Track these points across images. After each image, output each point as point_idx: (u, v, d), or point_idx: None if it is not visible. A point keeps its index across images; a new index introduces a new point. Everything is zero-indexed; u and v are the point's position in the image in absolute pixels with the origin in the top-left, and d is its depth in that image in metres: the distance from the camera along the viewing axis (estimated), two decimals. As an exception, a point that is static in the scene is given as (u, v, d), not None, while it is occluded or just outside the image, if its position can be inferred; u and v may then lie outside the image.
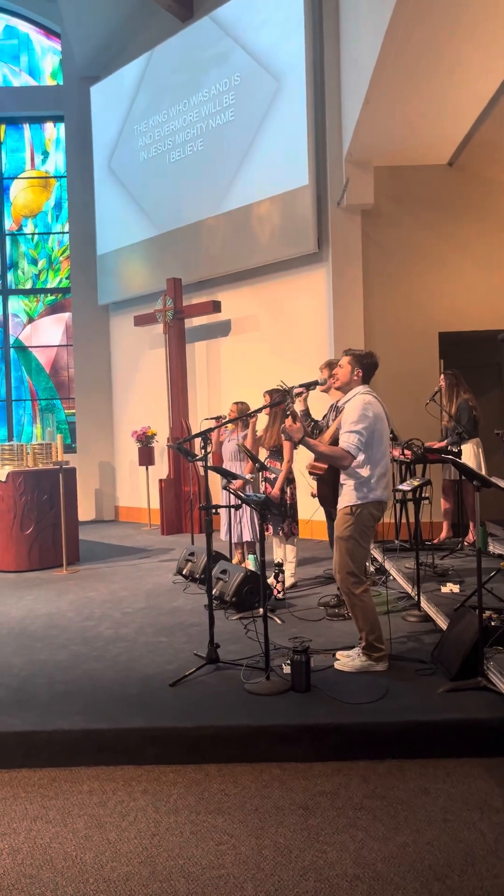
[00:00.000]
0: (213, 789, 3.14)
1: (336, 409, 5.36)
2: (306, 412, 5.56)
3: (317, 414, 5.74)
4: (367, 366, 4.17)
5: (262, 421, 6.63)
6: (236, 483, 6.15)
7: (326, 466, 4.19)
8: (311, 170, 8.49)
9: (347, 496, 4.04)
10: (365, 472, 3.98)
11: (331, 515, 5.40)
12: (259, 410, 5.33)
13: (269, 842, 2.73)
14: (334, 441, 4.22)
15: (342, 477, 4.09)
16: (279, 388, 4.17)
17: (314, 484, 4.58)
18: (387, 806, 2.94)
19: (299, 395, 5.04)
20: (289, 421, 4.04)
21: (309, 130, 8.49)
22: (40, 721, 3.58)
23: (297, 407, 4.60)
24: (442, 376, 7.14)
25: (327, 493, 4.28)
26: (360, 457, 3.95)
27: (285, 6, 8.62)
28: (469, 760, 3.29)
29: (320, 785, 3.13)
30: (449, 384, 7.01)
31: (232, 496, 5.88)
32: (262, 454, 6.31)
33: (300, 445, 4.04)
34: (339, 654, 4.24)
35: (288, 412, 4.09)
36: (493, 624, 4.03)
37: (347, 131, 7.76)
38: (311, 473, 4.38)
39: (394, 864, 2.57)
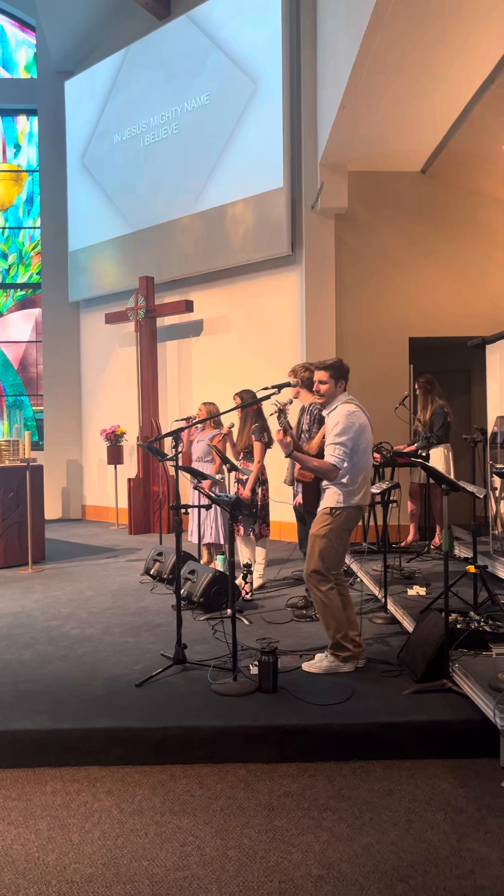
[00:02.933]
0: (178, 790, 3.12)
1: (309, 413, 5.38)
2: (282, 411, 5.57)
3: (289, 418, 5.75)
4: (344, 373, 4.19)
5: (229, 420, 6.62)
6: (205, 483, 6.13)
7: (313, 476, 4.24)
8: (286, 172, 8.52)
9: (329, 498, 4.08)
10: (346, 479, 4.02)
11: (303, 518, 5.43)
12: (231, 411, 5.32)
13: (234, 843, 2.73)
14: (320, 449, 4.25)
15: (324, 482, 4.13)
16: (275, 403, 4.18)
17: (290, 490, 4.61)
18: (351, 807, 2.96)
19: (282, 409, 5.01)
20: (279, 434, 4.07)
21: (284, 133, 8.51)
22: (3, 721, 3.53)
23: (287, 398, 4.56)
24: (416, 382, 7.21)
25: (312, 499, 4.32)
26: (345, 464, 3.99)
27: (263, 9, 8.64)
28: (433, 762, 3.32)
29: (286, 786, 3.13)
30: (423, 390, 7.08)
31: (202, 496, 5.86)
32: (234, 456, 6.30)
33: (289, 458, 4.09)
34: (317, 658, 4.24)
35: (280, 425, 4.11)
36: (458, 626, 4.07)
37: (323, 135, 7.80)
38: (297, 481, 4.43)
39: (358, 864, 2.58)
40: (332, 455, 4.00)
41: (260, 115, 8.77)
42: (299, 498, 5.34)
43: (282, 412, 4.16)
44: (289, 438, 4.07)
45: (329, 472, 4.01)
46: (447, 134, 7.23)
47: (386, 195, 8.33)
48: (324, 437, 4.22)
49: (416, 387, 7.15)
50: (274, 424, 4.44)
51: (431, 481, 6.79)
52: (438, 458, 6.83)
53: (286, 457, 4.12)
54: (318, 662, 4.13)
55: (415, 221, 8.33)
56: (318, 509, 4.15)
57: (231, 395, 6.43)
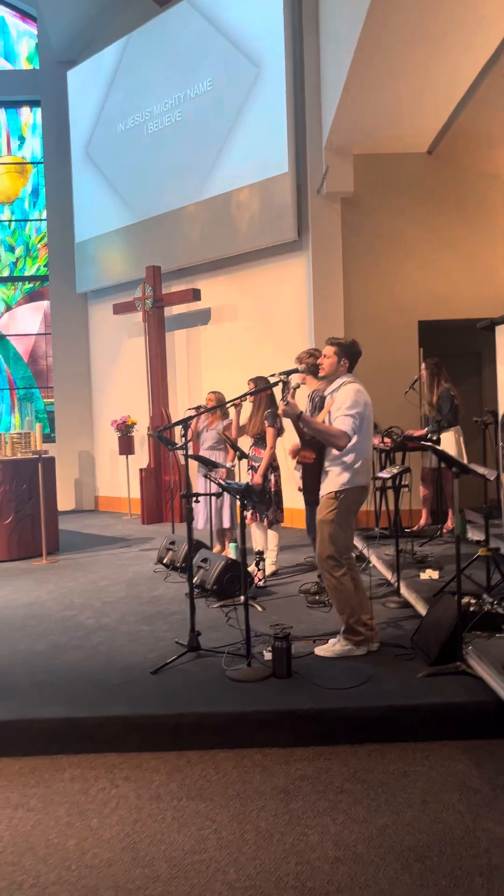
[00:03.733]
0: (194, 775, 3.15)
1: (311, 400, 5.37)
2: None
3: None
4: (352, 354, 4.18)
5: (245, 409, 6.62)
6: (221, 472, 6.15)
7: (314, 455, 4.20)
8: (291, 157, 8.46)
9: (331, 482, 4.07)
10: (350, 458, 4.01)
11: (311, 504, 5.43)
12: (242, 397, 5.32)
13: (250, 826, 2.76)
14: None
15: (326, 464, 4.12)
16: (280, 379, 4.13)
17: (297, 476, 4.58)
18: (367, 789, 2.98)
19: (293, 383, 4.96)
20: (282, 405, 4.01)
21: (289, 117, 8.45)
22: (21, 710, 3.57)
23: (294, 381, 4.48)
24: (423, 364, 7.18)
25: (313, 483, 4.30)
26: (353, 440, 3.97)
27: (264, -9, 8.55)
28: (448, 743, 3.33)
29: (301, 769, 3.16)
30: (431, 373, 7.05)
31: (212, 484, 5.88)
32: (246, 441, 6.31)
33: (300, 424, 4.01)
34: (329, 642, 4.25)
35: (285, 399, 4.04)
36: (471, 609, 4.07)
37: (327, 119, 7.74)
38: (298, 462, 4.38)
39: (374, 845, 2.60)
40: (342, 424, 3.97)
41: (263, 100, 8.70)
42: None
43: (286, 384, 4.11)
44: (294, 401, 4.00)
45: (339, 437, 3.96)
46: (453, 113, 7.15)
47: (392, 178, 8.25)
48: (326, 418, 4.19)
49: (423, 368, 7.12)
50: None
51: (443, 465, 6.78)
52: (450, 441, 6.81)
53: (297, 418, 3.97)
54: (332, 646, 4.15)
55: (422, 203, 8.26)
56: (322, 494, 4.14)
57: (240, 382, 6.44)
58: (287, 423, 5.60)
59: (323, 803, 2.89)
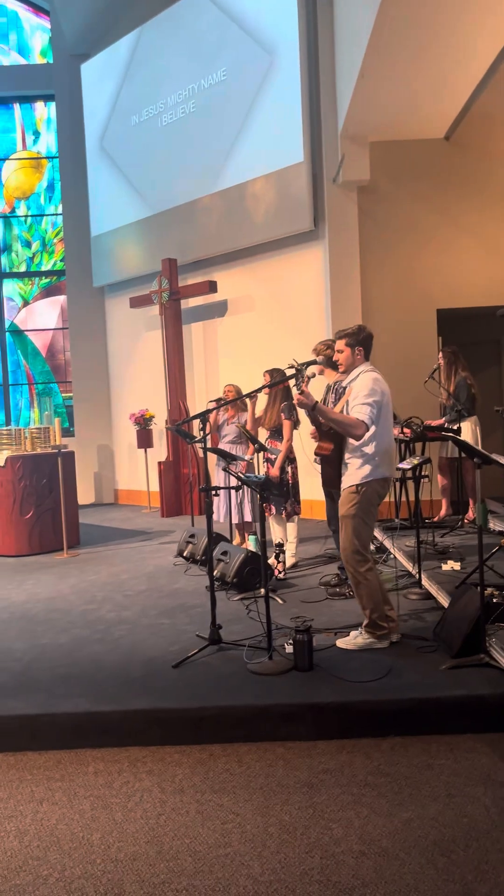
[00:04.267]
0: (217, 769, 3.15)
1: (335, 391, 5.33)
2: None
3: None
4: (363, 341, 4.14)
5: (262, 401, 6.60)
6: (242, 465, 6.14)
7: (332, 447, 4.16)
8: (306, 146, 8.39)
9: (353, 475, 4.03)
10: (370, 448, 3.97)
11: (331, 496, 5.40)
12: (258, 390, 5.30)
13: (274, 820, 2.75)
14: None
15: (346, 456, 4.08)
16: (294, 366, 4.08)
17: (316, 468, 4.54)
18: (391, 782, 2.96)
19: (308, 373, 4.90)
20: (297, 394, 3.97)
21: (303, 106, 8.38)
22: (45, 704, 3.59)
23: (309, 372, 4.43)
24: (440, 353, 7.11)
25: (331, 475, 4.26)
26: (371, 430, 3.93)
27: (277, -22, 8.47)
28: (472, 736, 3.31)
29: (324, 763, 3.15)
30: (448, 361, 6.98)
31: (231, 477, 5.87)
32: (263, 434, 6.29)
33: (315, 414, 3.96)
34: (351, 634, 4.24)
35: (300, 388, 3.99)
36: (494, 601, 4.03)
37: (343, 106, 7.66)
38: (316, 454, 4.34)
39: (398, 839, 2.59)
40: (360, 413, 3.92)
41: (278, 89, 8.63)
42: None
43: (299, 371, 4.04)
44: (308, 390, 3.96)
45: (355, 426, 3.90)
46: (470, 97, 7.05)
47: (409, 165, 8.16)
48: (343, 407, 4.15)
49: (441, 356, 7.05)
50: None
51: (462, 455, 6.72)
52: (467, 431, 6.74)
53: (311, 409, 3.93)
54: (354, 639, 4.13)
55: (439, 190, 8.16)
56: (343, 488, 4.10)
57: (258, 374, 6.41)
58: (304, 415, 5.57)
59: (346, 797, 2.88)
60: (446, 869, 2.41)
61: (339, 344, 4.16)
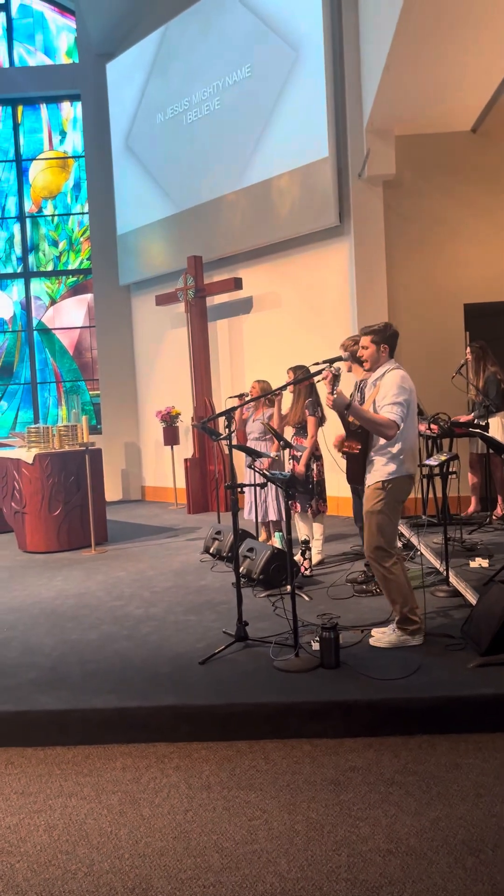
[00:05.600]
0: (244, 765, 3.16)
1: (360, 390, 5.30)
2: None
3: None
4: (389, 338, 4.12)
5: (287, 398, 6.59)
6: (265, 462, 6.14)
7: (360, 445, 4.15)
8: (331, 141, 8.34)
9: (378, 472, 4.02)
10: (395, 447, 3.96)
11: (358, 493, 5.38)
12: (283, 388, 5.29)
13: (301, 817, 2.75)
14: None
15: (371, 453, 4.08)
16: (324, 368, 4.05)
17: (342, 465, 4.50)
18: (419, 781, 2.95)
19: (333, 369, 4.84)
20: (329, 398, 3.95)
21: (328, 101, 8.33)
22: (74, 700, 3.63)
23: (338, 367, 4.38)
24: (468, 348, 7.04)
25: (357, 471, 4.25)
26: (401, 428, 3.92)
27: (301, -27, 8.43)
28: (501, 735, 3.28)
29: (351, 761, 3.14)
30: (476, 356, 6.91)
31: (257, 474, 5.87)
32: (289, 432, 6.28)
33: (348, 413, 3.95)
34: (374, 632, 4.23)
35: (333, 391, 3.96)
36: (523, 598, 3.99)
37: (368, 100, 7.60)
38: (343, 452, 4.32)
39: (426, 838, 2.57)
40: (391, 413, 3.92)
41: (303, 85, 8.60)
42: None
43: (336, 378, 4.01)
44: (339, 390, 3.94)
45: (388, 426, 3.90)
46: (498, 89, 6.95)
47: (435, 158, 8.08)
48: (372, 405, 4.12)
49: (468, 352, 6.98)
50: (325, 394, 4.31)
51: (491, 451, 6.65)
52: (497, 426, 6.67)
53: (346, 408, 3.89)
54: (387, 637, 4.10)
55: (466, 183, 8.07)
56: (368, 485, 4.09)
57: (284, 370, 6.39)
58: (329, 412, 5.54)
59: (374, 795, 2.87)
60: (475, 868, 2.39)
61: (365, 340, 4.15)
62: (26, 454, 7.54)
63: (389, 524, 4.02)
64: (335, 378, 3.96)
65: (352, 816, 2.73)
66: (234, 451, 4.63)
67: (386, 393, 3.98)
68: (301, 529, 6.20)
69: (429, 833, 2.60)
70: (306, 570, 5.73)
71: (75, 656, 4.28)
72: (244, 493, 6.60)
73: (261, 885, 2.37)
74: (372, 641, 4.14)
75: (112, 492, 11.51)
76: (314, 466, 5.99)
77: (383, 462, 4.00)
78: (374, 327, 4.17)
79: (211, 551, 6.47)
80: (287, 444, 5.46)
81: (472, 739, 3.26)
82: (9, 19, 12.20)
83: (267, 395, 6.01)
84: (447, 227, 8.12)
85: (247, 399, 6.31)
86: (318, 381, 4.44)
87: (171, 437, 10.32)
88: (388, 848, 2.53)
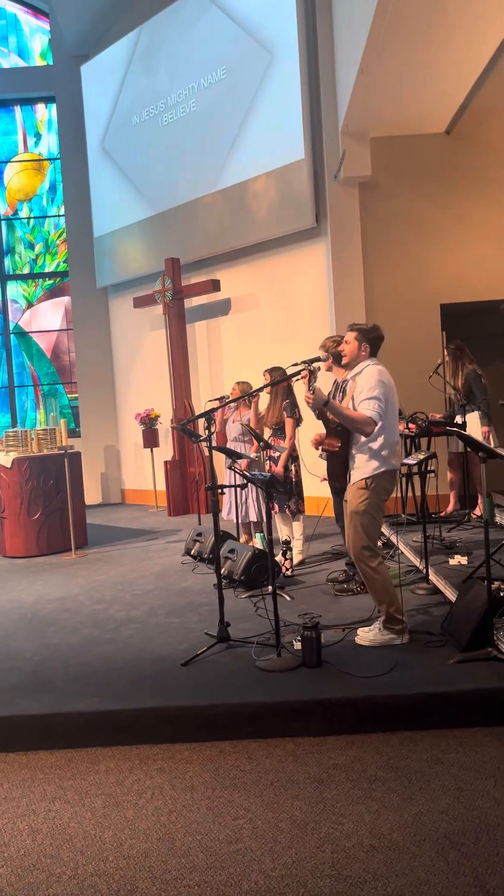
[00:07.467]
0: (227, 766, 3.17)
1: (342, 390, 5.33)
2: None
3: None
4: (373, 339, 4.14)
5: (264, 400, 6.60)
6: (243, 463, 6.15)
7: (340, 444, 4.17)
8: (307, 143, 8.39)
9: (361, 469, 4.03)
10: (377, 443, 3.98)
11: (338, 492, 5.41)
12: (261, 389, 5.31)
13: (285, 815, 2.77)
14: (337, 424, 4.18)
15: (353, 450, 4.09)
16: (304, 368, 4.07)
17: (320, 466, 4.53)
18: (401, 777, 2.97)
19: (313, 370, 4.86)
20: (308, 395, 3.98)
21: (303, 103, 8.38)
22: (56, 704, 3.62)
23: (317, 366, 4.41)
24: (446, 350, 7.10)
25: (338, 469, 4.26)
26: (379, 424, 3.94)
27: (275, -24, 8.46)
28: (481, 730, 3.32)
29: (334, 758, 3.16)
30: (453, 357, 6.97)
31: (237, 475, 5.88)
32: (266, 433, 6.30)
33: (325, 410, 3.97)
34: (359, 631, 4.24)
35: (311, 388, 3.99)
36: (501, 595, 4.03)
37: (343, 102, 7.65)
38: (323, 450, 4.34)
39: (409, 833, 2.60)
40: (368, 409, 3.94)
41: (278, 87, 8.63)
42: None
43: (312, 374, 4.04)
44: (317, 387, 3.96)
45: (365, 423, 3.93)
46: (471, 91, 7.03)
47: (410, 160, 8.15)
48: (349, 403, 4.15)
49: (446, 353, 7.05)
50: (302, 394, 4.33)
51: (469, 449, 6.71)
52: (476, 424, 6.74)
53: (324, 406, 3.92)
54: (373, 636, 4.12)
55: (441, 185, 8.15)
56: (350, 484, 4.11)
57: (262, 372, 6.41)
58: (306, 413, 5.57)
59: (357, 792, 2.89)
60: (457, 862, 2.42)
61: (349, 335, 4.16)
62: (5, 458, 7.49)
63: (374, 523, 4.04)
64: (311, 374, 3.98)
65: (335, 813, 2.75)
66: (215, 453, 4.63)
67: (363, 387, 4.00)
68: (282, 530, 6.22)
69: (411, 828, 2.63)
70: (287, 570, 5.75)
71: (57, 660, 4.27)
72: (224, 493, 6.59)
73: (246, 884, 2.38)
74: (358, 640, 4.16)
75: (92, 495, 11.45)
76: (292, 468, 6.02)
77: (366, 458, 4.01)
78: (362, 325, 4.21)
79: (192, 553, 6.47)
80: (267, 445, 5.48)
81: (453, 735, 3.29)
82: (-18, 21, 12.11)
83: (246, 395, 6.02)
84: (422, 228, 8.19)
85: (227, 400, 6.32)
86: (297, 381, 4.47)
87: (151, 440, 10.30)
88: (371, 843, 2.55)
